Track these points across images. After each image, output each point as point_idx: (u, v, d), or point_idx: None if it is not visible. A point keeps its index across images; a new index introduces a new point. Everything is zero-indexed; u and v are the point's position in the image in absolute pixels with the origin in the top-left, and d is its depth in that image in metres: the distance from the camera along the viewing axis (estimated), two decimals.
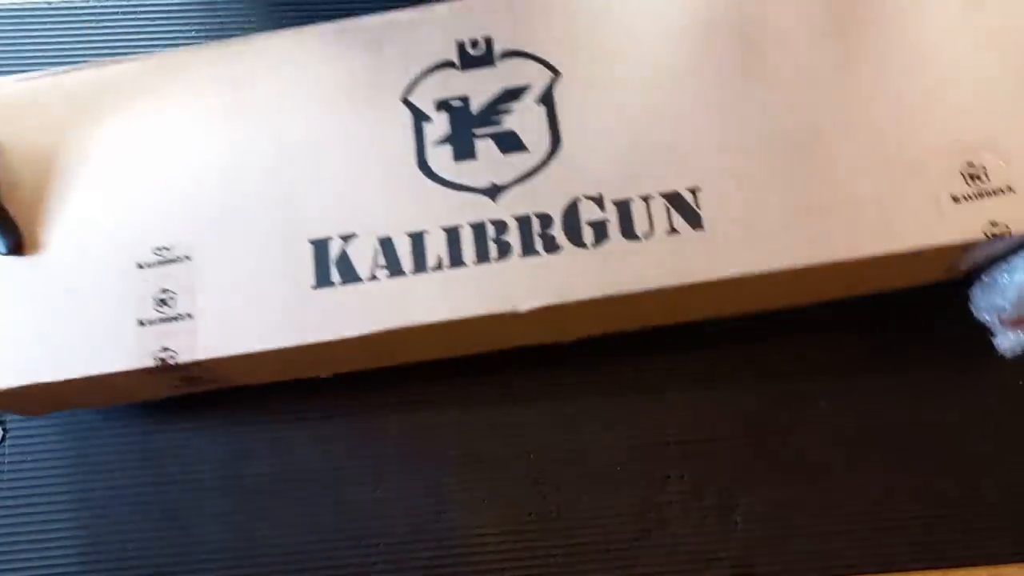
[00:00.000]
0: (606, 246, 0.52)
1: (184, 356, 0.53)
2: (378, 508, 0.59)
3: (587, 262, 0.52)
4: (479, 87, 0.56)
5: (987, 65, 0.53)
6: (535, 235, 0.53)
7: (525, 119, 0.55)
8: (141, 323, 0.54)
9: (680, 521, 0.58)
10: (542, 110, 0.55)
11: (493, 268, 0.52)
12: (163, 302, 0.54)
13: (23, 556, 0.59)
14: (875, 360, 0.61)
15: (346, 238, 0.54)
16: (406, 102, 0.56)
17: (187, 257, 0.55)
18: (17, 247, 0.55)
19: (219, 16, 0.70)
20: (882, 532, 0.58)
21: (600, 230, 0.52)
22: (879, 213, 0.51)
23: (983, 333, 0.56)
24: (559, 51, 0.56)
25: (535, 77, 0.56)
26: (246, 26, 0.69)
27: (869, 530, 0.58)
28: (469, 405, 0.61)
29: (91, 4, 0.71)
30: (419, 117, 0.56)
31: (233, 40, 0.60)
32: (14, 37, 0.70)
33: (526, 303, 0.52)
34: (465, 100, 0.56)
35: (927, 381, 0.60)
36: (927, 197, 0.51)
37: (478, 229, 0.53)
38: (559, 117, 0.55)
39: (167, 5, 0.70)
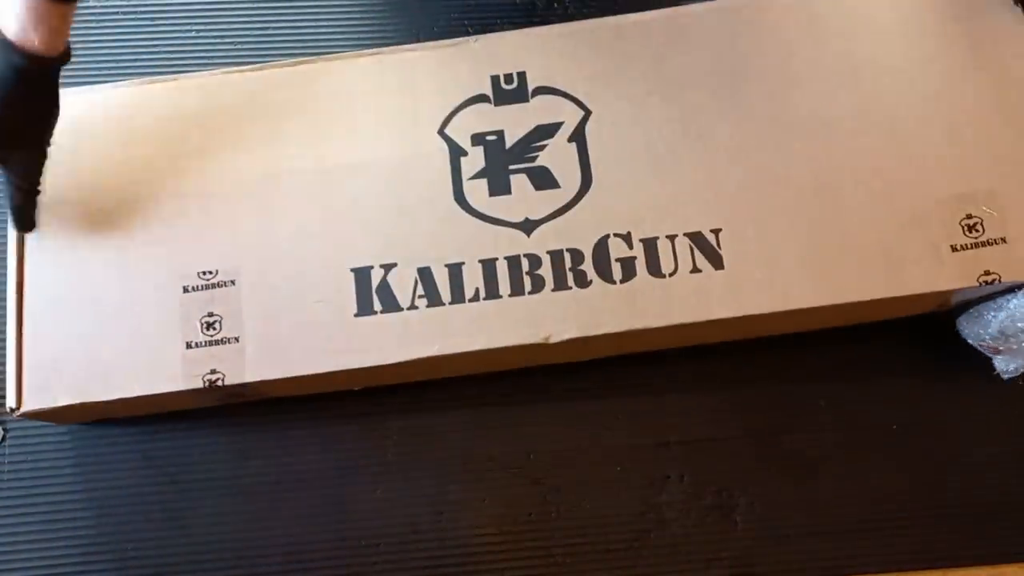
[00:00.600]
0: (633, 283, 0.56)
1: (232, 379, 0.56)
2: (379, 508, 0.60)
3: (615, 298, 0.56)
4: (513, 122, 0.59)
5: (989, 118, 0.57)
6: (567, 270, 0.56)
7: (557, 156, 0.58)
8: (189, 345, 0.56)
9: (680, 521, 0.60)
10: (573, 147, 0.58)
11: (526, 301, 0.56)
12: (210, 325, 0.56)
13: (23, 556, 0.60)
14: (875, 362, 0.63)
15: (387, 267, 0.57)
16: (443, 135, 0.59)
17: (232, 282, 0.57)
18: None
19: (220, 15, 0.71)
20: (882, 532, 0.59)
21: (628, 267, 0.56)
22: (886, 260, 0.55)
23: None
24: (590, 89, 0.59)
25: (567, 114, 0.59)
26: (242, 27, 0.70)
27: (869, 530, 0.59)
28: (470, 406, 0.62)
29: (93, 4, 0.70)
30: (455, 151, 0.59)
31: (269, 65, 0.61)
32: None
33: (557, 336, 0.55)
34: (499, 135, 0.59)
35: (927, 384, 0.62)
36: (929, 246, 0.55)
37: (513, 262, 0.56)
38: (590, 155, 0.58)
39: (169, 5, 0.70)
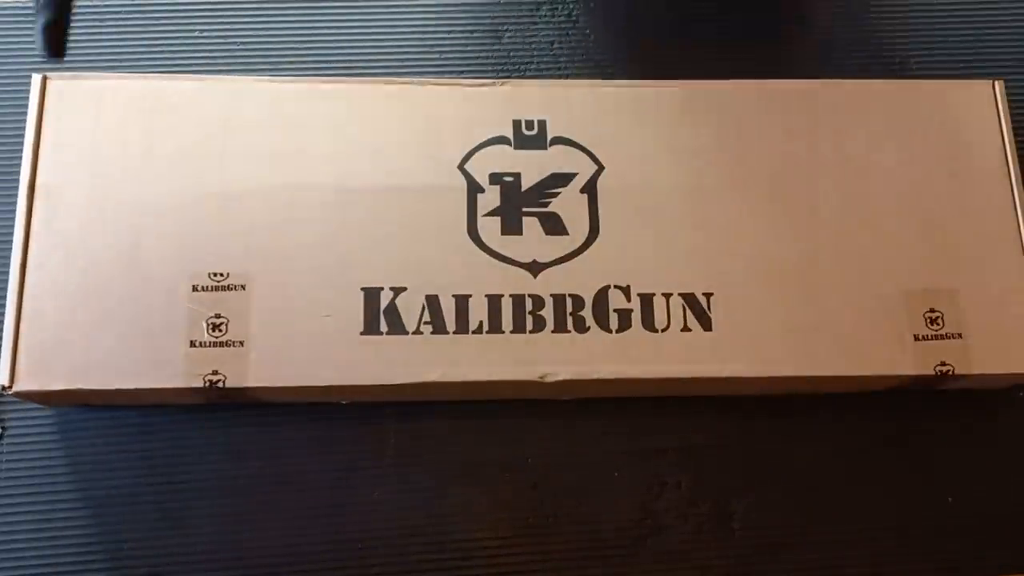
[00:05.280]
0: (628, 334, 0.59)
1: (233, 382, 0.57)
2: (376, 510, 0.61)
3: (610, 346, 0.59)
4: (530, 166, 0.62)
5: (957, 222, 0.63)
6: (567, 314, 0.59)
7: (568, 205, 0.61)
8: (193, 344, 0.57)
9: (678, 528, 0.60)
10: (584, 199, 0.62)
11: (527, 339, 0.59)
12: (216, 327, 0.57)
13: (19, 555, 0.60)
14: None
15: (396, 291, 0.59)
16: (462, 170, 0.61)
17: (242, 286, 0.58)
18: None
19: (224, 17, 0.71)
20: (880, 542, 0.60)
21: (624, 318, 0.59)
22: (857, 340, 0.60)
23: None
24: (605, 146, 0.63)
25: (581, 166, 0.62)
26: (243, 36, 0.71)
27: (867, 540, 0.60)
28: (469, 410, 0.63)
29: (95, 4, 0.70)
30: (473, 187, 0.61)
31: (299, 80, 0.63)
32: (18, 37, 0.69)
33: (552, 376, 0.58)
34: (516, 177, 0.62)
35: (928, 394, 0.63)
36: (895, 333, 0.60)
37: (518, 301, 0.59)
38: (599, 208, 0.61)
39: (171, 4, 0.71)
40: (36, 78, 0.60)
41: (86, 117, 0.60)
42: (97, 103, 0.61)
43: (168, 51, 0.69)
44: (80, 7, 0.70)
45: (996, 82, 0.66)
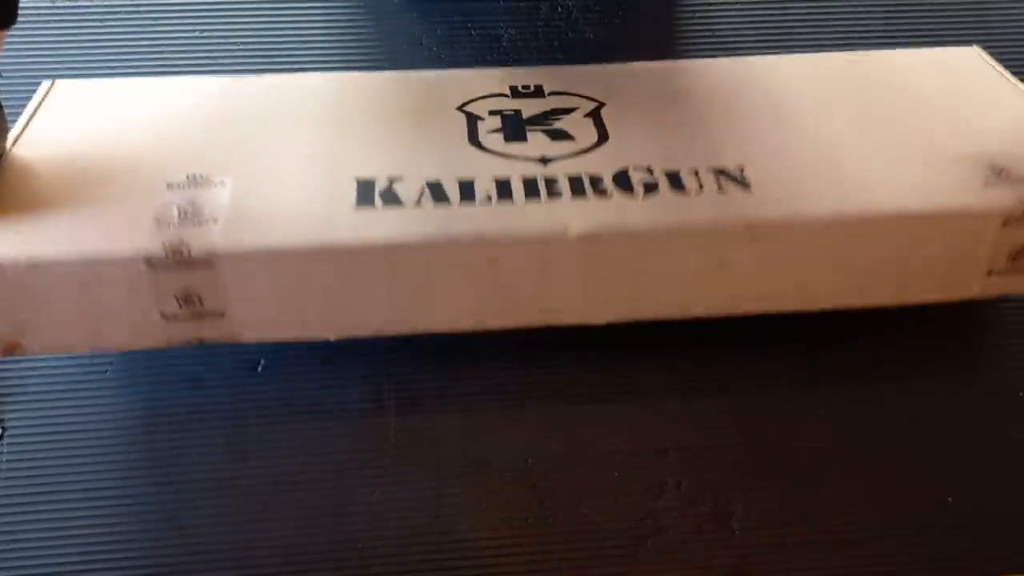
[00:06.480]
0: (656, 198, 0.52)
1: (197, 250, 0.48)
2: (376, 511, 0.56)
3: (637, 206, 0.52)
4: (529, 107, 0.61)
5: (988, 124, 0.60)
6: (586, 188, 0.53)
7: (573, 124, 0.59)
8: (158, 222, 0.50)
9: (677, 528, 0.57)
10: (590, 120, 0.59)
11: (543, 204, 0.52)
12: (187, 213, 0.51)
13: (20, 556, 0.55)
14: (876, 370, 0.61)
15: (393, 179, 0.53)
16: (461, 110, 0.60)
17: (222, 182, 0.53)
18: None
19: (224, 17, 0.74)
20: (882, 542, 0.56)
21: (651, 187, 0.53)
22: (920, 181, 0.53)
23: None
24: (605, 95, 0.62)
25: (582, 104, 0.61)
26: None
27: (868, 540, 0.56)
28: (468, 409, 0.60)
29: (95, 4, 0.74)
30: (473, 119, 0.59)
31: (292, 76, 0.65)
32: (19, 37, 0.69)
33: (575, 229, 0.50)
34: (517, 112, 0.60)
35: (930, 392, 0.61)
36: (962, 178, 0.54)
37: (529, 180, 0.54)
38: (606, 125, 0.59)
39: (171, 4, 0.74)
40: (45, 84, 0.62)
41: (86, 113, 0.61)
42: (106, 102, 0.61)
43: (169, 52, 0.71)
44: (83, 8, 0.74)
45: (975, 47, 0.68)
